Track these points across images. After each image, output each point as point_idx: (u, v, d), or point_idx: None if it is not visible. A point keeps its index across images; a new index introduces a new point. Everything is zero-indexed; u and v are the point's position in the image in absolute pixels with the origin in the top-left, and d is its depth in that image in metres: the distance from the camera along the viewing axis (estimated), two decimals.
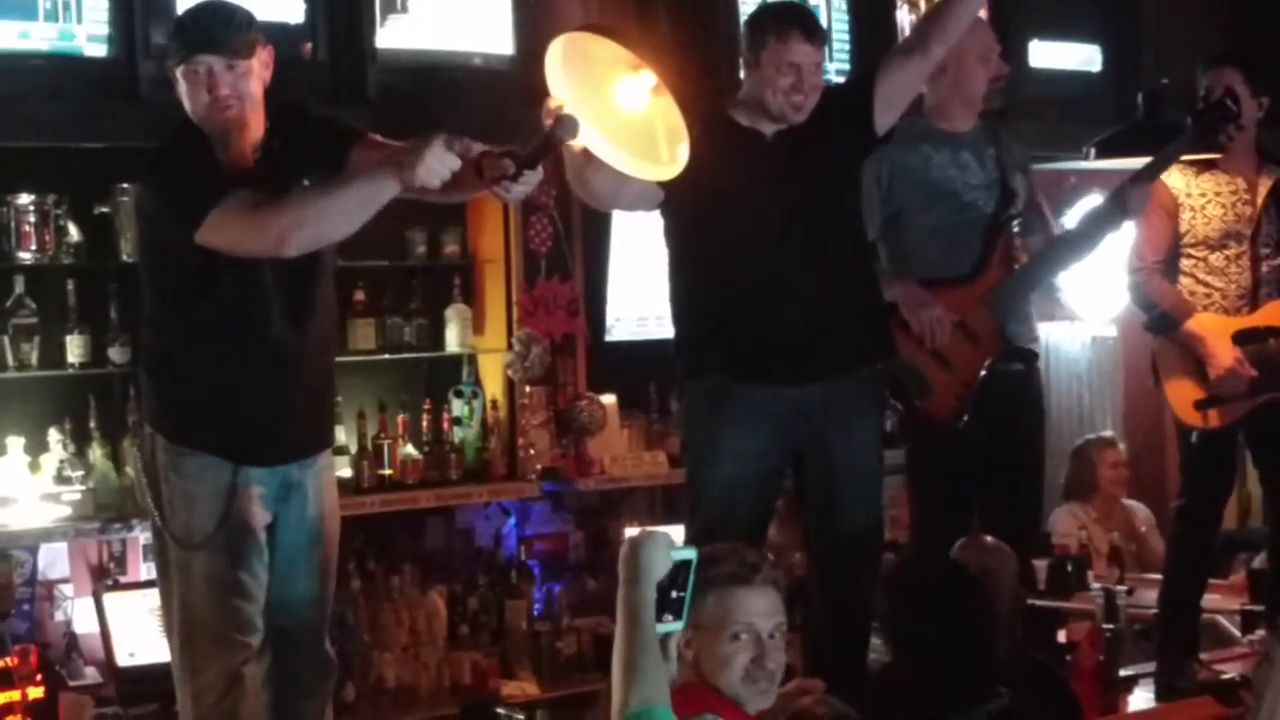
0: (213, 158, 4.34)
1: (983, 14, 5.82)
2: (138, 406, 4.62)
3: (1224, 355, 5.97)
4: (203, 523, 4.44)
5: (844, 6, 7.34)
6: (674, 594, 3.29)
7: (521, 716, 6.39)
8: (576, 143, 4.04)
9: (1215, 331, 6.01)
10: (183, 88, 4.36)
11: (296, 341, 4.52)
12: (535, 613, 6.91)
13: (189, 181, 4.29)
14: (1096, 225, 5.88)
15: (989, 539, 5.18)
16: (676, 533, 6.78)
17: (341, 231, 4.24)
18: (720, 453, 5.08)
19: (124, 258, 6.08)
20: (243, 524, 4.46)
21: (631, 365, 7.31)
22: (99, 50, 5.80)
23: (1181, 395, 6.08)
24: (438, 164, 4.00)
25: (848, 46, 7.38)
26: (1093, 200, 7.42)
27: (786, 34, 4.98)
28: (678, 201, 4.96)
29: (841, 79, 7.22)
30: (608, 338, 7.27)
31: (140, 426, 4.67)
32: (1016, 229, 5.79)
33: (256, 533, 4.50)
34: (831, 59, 7.26)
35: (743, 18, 6.94)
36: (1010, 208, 5.77)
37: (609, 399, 7.15)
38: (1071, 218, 7.39)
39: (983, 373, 5.66)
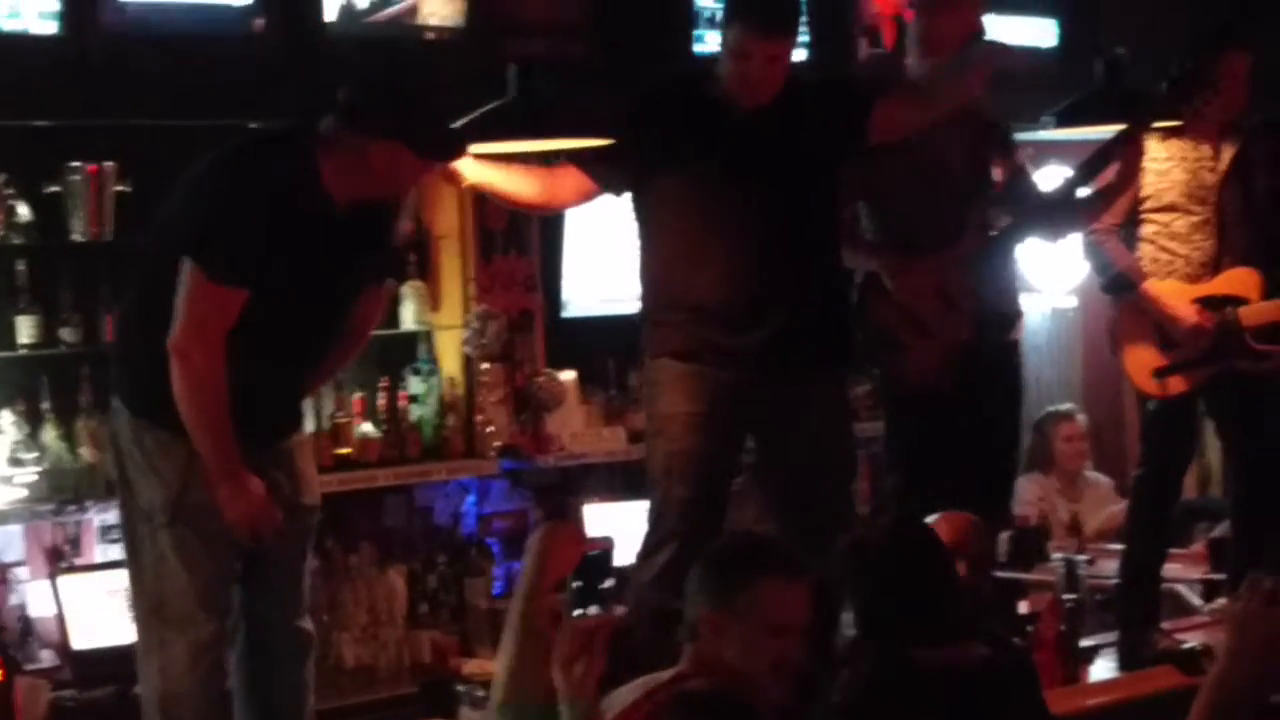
0: (294, 206, 4.34)
1: None
2: (116, 382, 4.59)
3: (1185, 313, 5.98)
4: (164, 497, 4.45)
5: None
6: (593, 585, 3.30)
7: (482, 694, 6.35)
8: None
9: (1175, 293, 6.01)
10: (383, 161, 4.37)
11: (302, 368, 4.64)
12: (495, 591, 6.87)
13: (244, 241, 4.30)
14: (1073, 184, 5.88)
15: (959, 513, 5.16)
16: (636, 508, 6.84)
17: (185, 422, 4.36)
18: (687, 427, 5.07)
19: (75, 237, 6.05)
20: (205, 501, 4.44)
21: (590, 341, 7.29)
22: (49, 27, 5.73)
23: (1139, 363, 6.08)
24: (234, 508, 4.37)
25: (805, 21, 7.31)
26: (1052, 170, 7.41)
27: (743, 24, 5.00)
28: (646, 177, 4.95)
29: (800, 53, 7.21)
30: (565, 313, 7.23)
31: (111, 402, 4.68)
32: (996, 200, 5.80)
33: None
34: None
35: None
36: (988, 179, 5.76)
37: (567, 375, 7.12)
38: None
39: (963, 338, 5.65)
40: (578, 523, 6.25)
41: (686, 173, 5.04)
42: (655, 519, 5.20)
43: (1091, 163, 5.83)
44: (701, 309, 5.11)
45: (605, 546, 6.15)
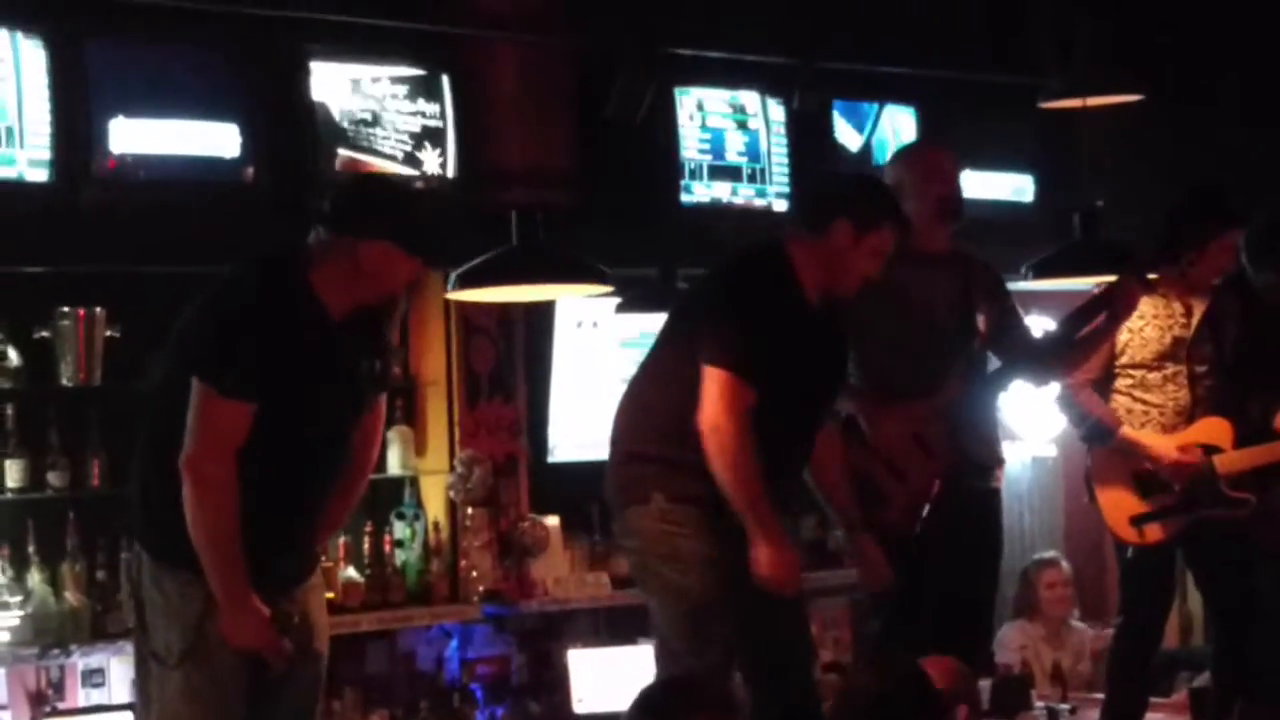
0: (293, 318, 4.42)
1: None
2: (134, 526, 4.62)
3: (1167, 450, 6.03)
4: (180, 640, 4.46)
5: (782, 131, 7.41)
6: None
7: None
8: None
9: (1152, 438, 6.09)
10: (373, 262, 4.45)
11: (316, 493, 4.63)
12: None
13: (250, 355, 4.36)
14: (1066, 331, 5.93)
15: (946, 658, 5.17)
16: (620, 654, 6.85)
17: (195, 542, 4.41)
18: (725, 571, 4.97)
19: (64, 381, 6.11)
20: (221, 645, 4.44)
21: (574, 487, 7.29)
22: (41, 175, 5.80)
23: (1117, 511, 6.12)
24: (240, 635, 4.40)
25: (787, 173, 7.44)
26: (1032, 320, 7.48)
27: (894, 223, 5.14)
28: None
29: (781, 204, 7.32)
30: (550, 459, 7.27)
31: (130, 544, 4.70)
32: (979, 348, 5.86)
33: (237, 654, 4.47)
34: (771, 182, 7.35)
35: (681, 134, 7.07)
36: (973, 327, 5.82)
37: (551, 520, 7.14)
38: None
39: (936, 487, 5.68)
40: None
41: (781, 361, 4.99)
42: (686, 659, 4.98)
43: (1084, 311, 5.89)
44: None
45: None
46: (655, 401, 5.06)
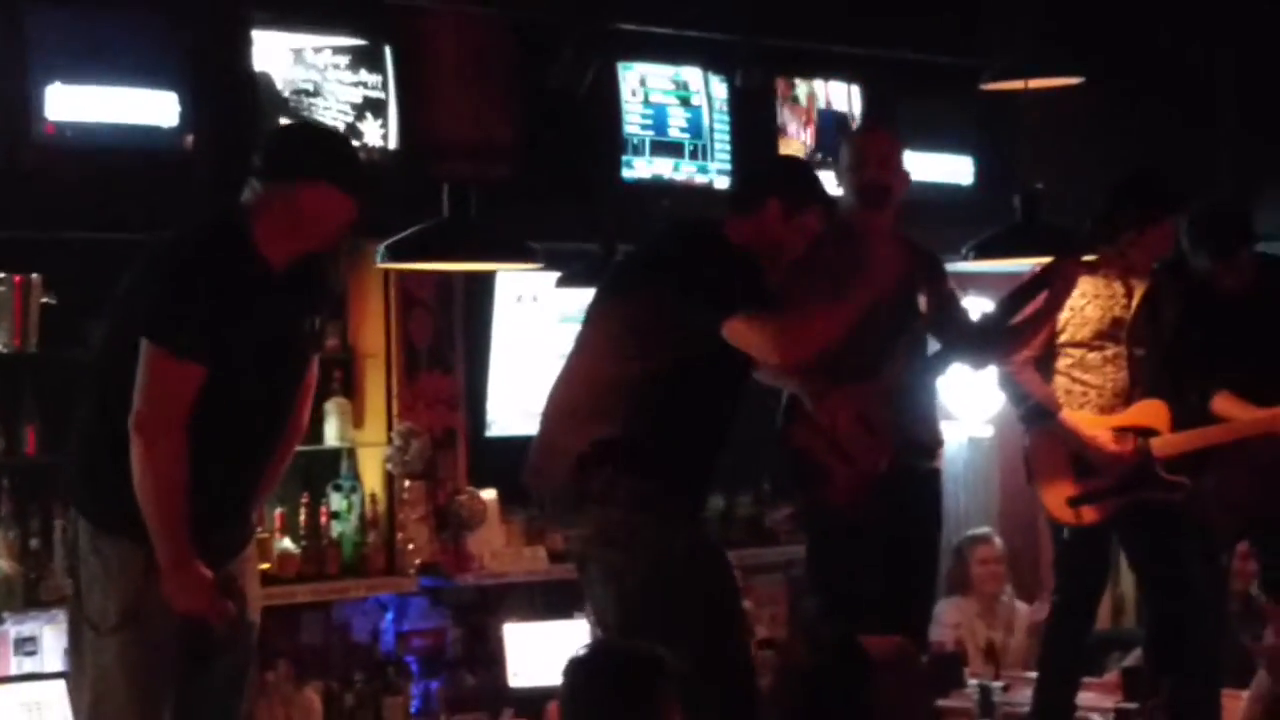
0: (237, 276, 4.41)
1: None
2: (73, 493, 4.59)
3: (1104, 439, 6.08)
4: (118, 607, 4.43)
5: (725, 108, 7.41)
6: None
7: None
8: None
9: (1089, 424, 6.11)
10: (311, 204, 4.46)
11: (257, 460, 4.61)
12: (413, 709, 6.85)
13: (197, 315, 4.35)
14: (1003, 313, 5.94)
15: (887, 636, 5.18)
16: (554, 628, 6.85)
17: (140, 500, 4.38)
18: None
19: None
20: (158, 612, 4.42)
21: (512, 460, 7.25)
22: None
23: (1054, 492, 6.17)
24: (184, 598, 4.37)
25: (729, 150, 7.44)
26: (972, 301, 7.51)
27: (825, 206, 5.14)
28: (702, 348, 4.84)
29: (723, 181, 7.33)
30: (488, 433, 7.26)
31: (65, 511, 4.68)
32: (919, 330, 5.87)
33: (174, 622, 4.44)
34: (713, 159, 7.35)
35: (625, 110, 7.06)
36: (915, 309, 5.83)
37: (489, 494, 7.13)
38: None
39: (882, 466, 5.69)
40: None
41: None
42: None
43: (1022, 292, 5.90)
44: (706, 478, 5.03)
45: None
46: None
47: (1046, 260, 5.95)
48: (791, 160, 6.11)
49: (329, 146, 4.68)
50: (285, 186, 4.46)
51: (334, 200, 4.50)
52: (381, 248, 5.99)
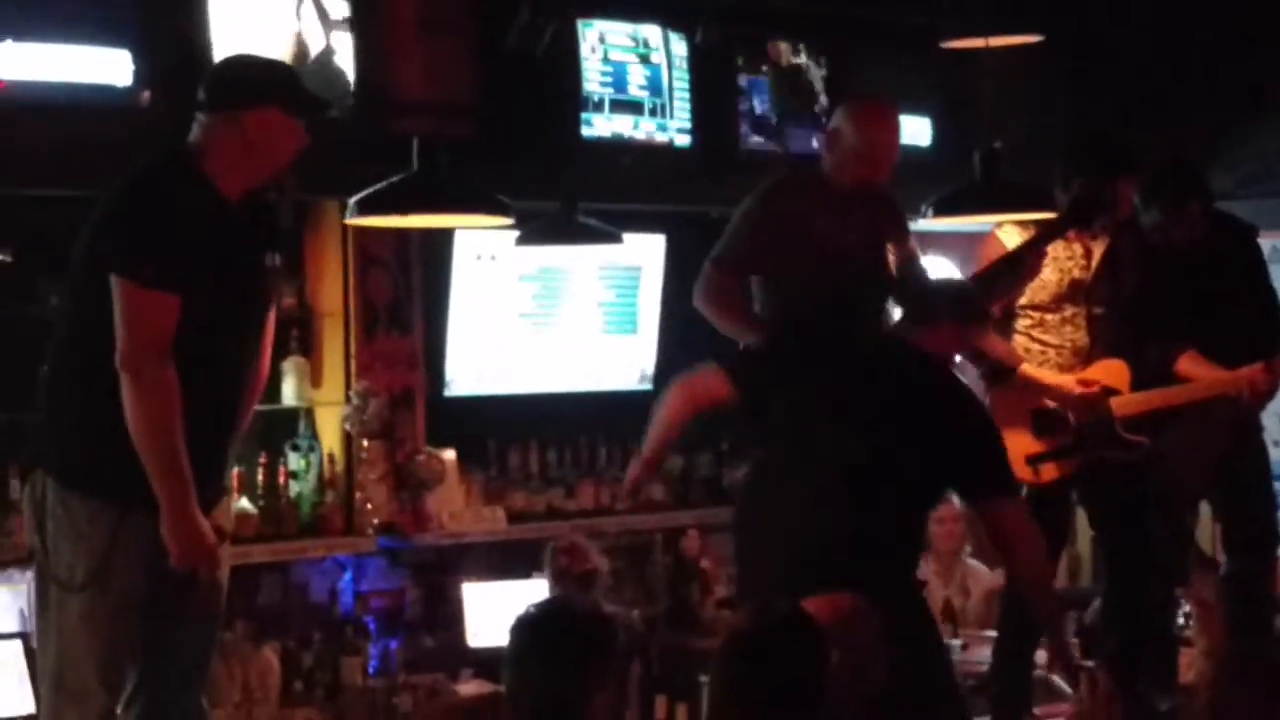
0: (193, 205, 4.41)
1: None
2: (40, 452, 4.57)
3: (1068, 384, 6.10)
4: (85, 565, 4.42)
5: (684, 65, 7.38)
6: None
7: None
8: None
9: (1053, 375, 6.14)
10: (259, 130, 4.46)
11: (230, 401, 4.60)
12: (371, 669, 6.83)
13: (165, 246, 4.35)
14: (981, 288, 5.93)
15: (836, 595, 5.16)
16: (512, 588, 6.84)
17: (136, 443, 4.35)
18: None
19: None
20: (127, 571, 4.42)
21: (471, 421, 7.29)
22: None
23: (1013, 450, 6.14)
24: (182, 541, 4.37)
25: (689, 108, 7.42)
26: (931, 260, 7.51)
27: None
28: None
29: (684, 139, 7.31)
30: (447, 392, 7.24)
31: (33, 467, 4.63)
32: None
33: (142, 581, 4.45)
34: (672, 116, 7.32)
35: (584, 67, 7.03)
36: (885, 262, 5.80)
37: (448, 454, 7.12)
38: None
39: None
40: None
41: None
42: None
43: (999, 266, 5.91)
44: None
45: None
46: None
47: (1008, 218, 5.98)
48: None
49: (272, 72, 4.70)
50: (231, 115, 4.47)
51: (281, 124, 4.51)
52: (352, 203, 5.90)
